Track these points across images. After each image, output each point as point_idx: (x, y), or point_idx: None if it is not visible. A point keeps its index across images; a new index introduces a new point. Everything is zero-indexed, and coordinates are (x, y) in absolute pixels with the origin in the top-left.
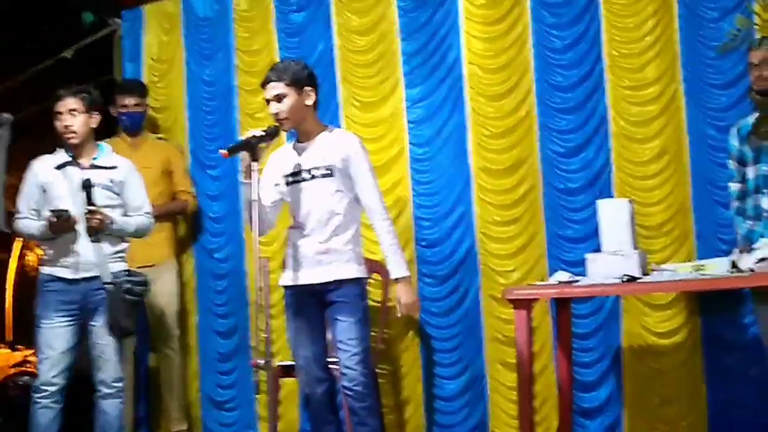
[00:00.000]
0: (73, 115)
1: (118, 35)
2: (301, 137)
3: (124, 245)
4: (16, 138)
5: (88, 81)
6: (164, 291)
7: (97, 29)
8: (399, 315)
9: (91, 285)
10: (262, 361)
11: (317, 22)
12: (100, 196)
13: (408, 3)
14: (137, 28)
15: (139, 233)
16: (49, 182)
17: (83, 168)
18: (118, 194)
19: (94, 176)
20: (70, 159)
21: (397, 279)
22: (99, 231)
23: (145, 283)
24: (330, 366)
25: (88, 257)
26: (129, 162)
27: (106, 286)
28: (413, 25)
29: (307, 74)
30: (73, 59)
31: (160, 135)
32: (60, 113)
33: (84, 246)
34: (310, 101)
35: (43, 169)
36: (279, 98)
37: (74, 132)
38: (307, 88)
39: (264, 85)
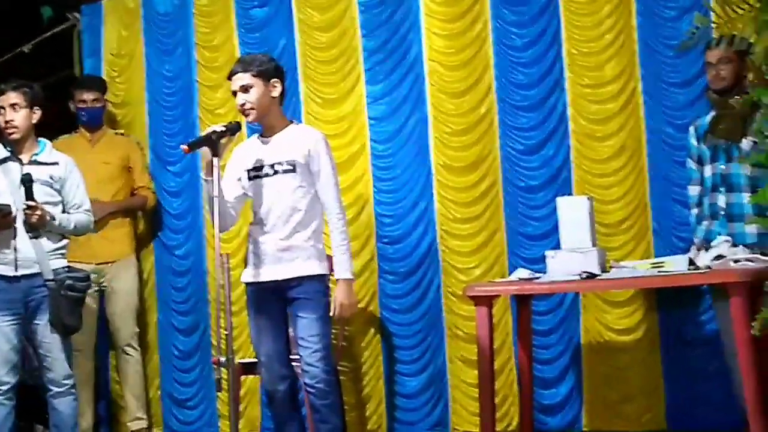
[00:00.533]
0: (15, 110)
1: (77, 30)
2: (266, 131)
3: (64, 242)
4: None
5: (47, 76)
6: (123, 288)
7: (56, 24)
8: (333, 314)
9: (32, 282)
10: (223, 359)
11: (278, 18)
12: (39, 193)
13: (369, 0)
14: (97, 22)
15: (79, 230)
16: None
17: (23, 164)
18: (58, 191)
19: (35, 172)
20: (9, 154)
21: (338, 279)
22: (38, 227)
23: (86, 279)
24: (293, 363)
25: (28, 254)
26: (70, 159)
27: (47, 283)
28: (374, 21)
29: (274, 67)
30: (31, 54)
31: (119, 130)
32: (2, 108)
33: (23, 242)
34: (276, 93)
35: None
36: (245, 89)
37: (16, 127)
38: (274, 80)
39: (230, 77)
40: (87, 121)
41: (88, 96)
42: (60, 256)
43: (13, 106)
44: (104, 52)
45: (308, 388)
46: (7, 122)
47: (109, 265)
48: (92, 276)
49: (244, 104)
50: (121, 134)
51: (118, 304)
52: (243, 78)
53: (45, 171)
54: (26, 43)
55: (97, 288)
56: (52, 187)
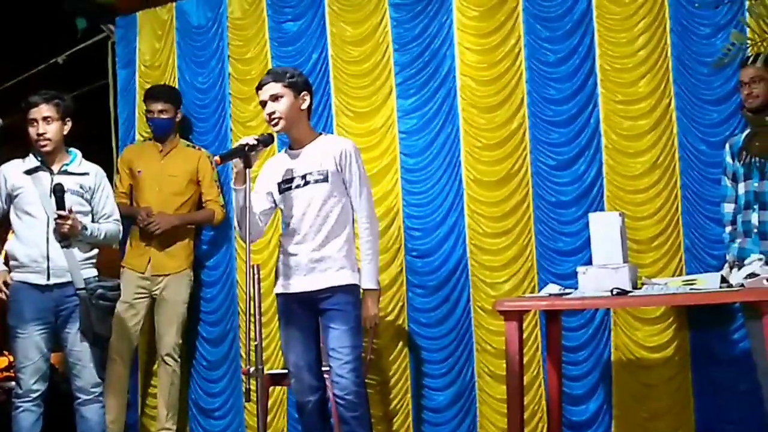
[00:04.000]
0: (48, 123)
1: (111, 41)
2: (294, 144)
3: (94, 251)
4: (5, 142)
5: (81, 87)
6: (173, 297)
7: (91, 35)
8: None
9: (64, 291)
10: (252, 369)
11: (311, 31)
12: (70, 202)
13: (402, 14)
14: (131, 34)
15: (109, 240)
16: (20, 187)
17: (54, 173)
18: (88, 201)
19: (65, 182)
20: (39, 164)
21: (362, 289)
22: (70, 236)
23: (117, 288)
24: (324, 374)
25: (60, 263)
26: (100, 169)
27: (78, 292)
28: (407, 36)
29: (304, 80)
30: (66, 65)
31: (191, 143)
32: (34, 120)
33: (55, 252)
34: (305, 106)
35: (13, 173)
36: (275, 98)
37: (48, 140)
38: (304, 93)
39: (260, 87)
40: (154, 131)
41: (155, 106)
42: (90, 265)
43: (46, 119)
44: (138, 63)
45: (338, 400)
46: (39, 135)
47: (165, 277)
48: (144, 283)
49: (272, 113)
50: (193, 146)
51: (164, 312)
52: (274, 88)
53: (75, 181)
54: (61, 54)
55: (147, 295)
56: (82, 196)
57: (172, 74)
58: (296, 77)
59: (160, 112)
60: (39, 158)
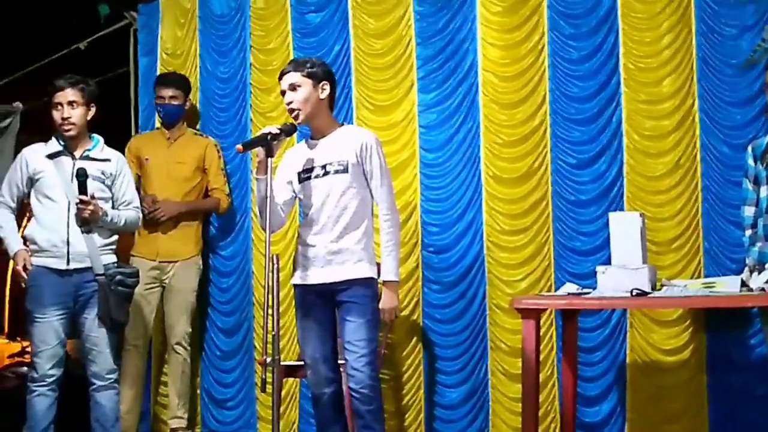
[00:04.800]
0: (73, 107)
1: (134, 28)
2: (315, 134)
3: (114, 238)
4: (26, 128)
5: (102, 74)
6: (182, 286)
7: (113, 22)
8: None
9: (83, 277)
10: (269, 359)
11: (334, 23)
12: (91, 188)
13: (425, 8)
14: (153, 21)
15: (129, 227)
16: (41, 171)
17: (75, 158)
18: (109, 187)
19: (87, 167)
20: (62, 148)
21: (384, 282)
22: (90, 222)
23: (136, 275)
24: (340, 367)
25: (80, 248)
26: (121, 156)
27: (98, 278)
28: (430, 30)
29: (326, 70)
30: (87, 51)
31: (198, 131)
32: (59, 104)
33: (76, 237)
34: (324, 95)
35: (35, 157)
36: (294, 87)
37: (73, 124)
38: (323, 83)
39: (281, 76)
40: (163, 117)
41: (165, 92)
42: (110, 251)
43: (71, 103)
44: (160, 51)
45: (353, 393)
46: (64, 119)
47: (172, 263)
48: (154, 273)
49: (291, 103)
50: (200, 134)
51: (174, 301)
52: (293, 77)
53: (97, 167)
54: (83, 40)
55: (158, 284)
56: (103, 182)
57: (194, 63)
58: (317, 67)
59: (171, 98)
60: (61, 143)
